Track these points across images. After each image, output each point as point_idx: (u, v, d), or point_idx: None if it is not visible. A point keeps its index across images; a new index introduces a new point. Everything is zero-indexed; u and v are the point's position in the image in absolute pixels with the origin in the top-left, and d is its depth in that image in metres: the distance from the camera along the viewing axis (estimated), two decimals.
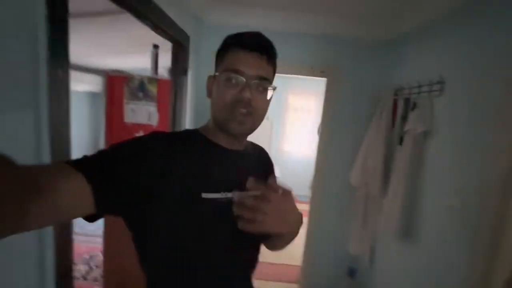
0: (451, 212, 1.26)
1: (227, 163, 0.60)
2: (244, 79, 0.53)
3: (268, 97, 0.59)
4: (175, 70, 1.63)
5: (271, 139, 4.25)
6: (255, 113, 0.57)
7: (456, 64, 1.35)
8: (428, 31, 1.64)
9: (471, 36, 1.28)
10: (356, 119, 2.08)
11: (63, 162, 0.43)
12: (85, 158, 0.45)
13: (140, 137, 0.53)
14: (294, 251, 2.82)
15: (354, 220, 2.07)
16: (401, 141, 1.73)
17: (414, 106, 1.62)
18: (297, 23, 1.95)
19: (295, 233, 0.65)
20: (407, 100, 1.71)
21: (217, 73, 0.57)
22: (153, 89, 1.90)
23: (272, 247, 0.71)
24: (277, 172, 3.25)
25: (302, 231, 3.00)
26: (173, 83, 1.65)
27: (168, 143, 0.55)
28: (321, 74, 2.02)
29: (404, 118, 1.72)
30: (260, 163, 0.73)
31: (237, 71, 0.54)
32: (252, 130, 0.61)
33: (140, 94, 1.91)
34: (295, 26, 1.98)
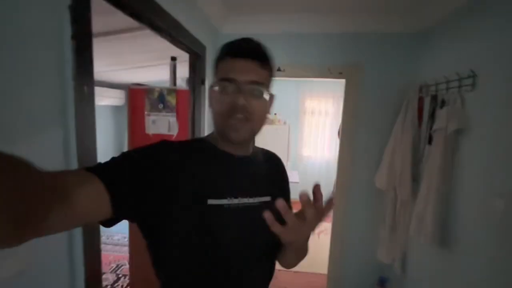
0: (493, 215, 1.15)
1: (233, 169, 0.61)
2: (236, 86, 0.54)
3: (266, 101, 0.58)
4: (192, 80, 1.66)
5: (289, 144, 4.19)
6: (252, 118, 0.56)
7: (488, 55, 1.26)
8: (454, 21, 1.55)
9: (503, 23, 1.18)
10: (379, 119, 1.99)
11: (81, 169, 0.46)
12: (100, 164, 0.48)
13: (151, 145, 0.55)
14: (320, 259, 2.74)
15: (383, 226, 1.96)
16: (430, 140, 1.63)
17: (443, 103, 1.52)
18: (313, 24, 1.93)
19: (305, 249, 0.66)
20: (434, 97, 1.62)
21: (214, 81, 0.58)
22: (172, 100, 1.94)
23: (283, 261, 0.71)
24: (296, 177, 3.15)
25: (327, 238, 2.82)
26: (191, 93, 1.68)
27: (177, 151, 0.57)
28: (339, 75, 1.97)
29: (432, 116, 1.62)
30: (271, 169, 0.72)
31: (228, 79, 0.54)
32: (252, 135, 0.61)
33: (160, 105, 1.96)
34: (310, 27, 1.95)
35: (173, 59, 2.00)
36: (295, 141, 4.69)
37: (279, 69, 1.99)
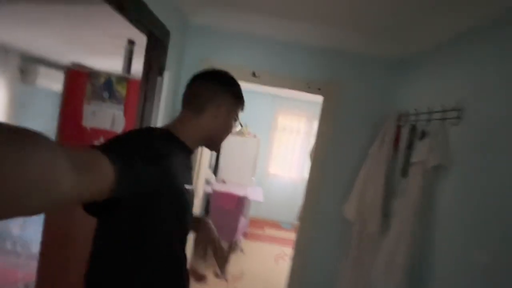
0: (477, 268, 1.00)
1: (190, 162, 0.79)
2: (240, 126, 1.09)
3: None
4: (148, 68, 1.36)
5: (256, 159, 3.97)
6: None
7: (475, 89, 1.17)
8: (440, 51, 1.48)
9: (495, 55, 1.10)
10: (354, 144, 1.85)
11: (91, 147, 0.51)
12: (105, 146, 0.55)
13: (146, 136, 0.67)
14: (277, 285, 2.49)
15: (347, 259, 1.77)
16: (404, 173, 1.51)
17: (423, 135, 1.41)
18: (295, 33, 1.77)
19: None
20: (413, 128, 1.51)
21: (232, 112, 0.78)
22: (122, 90, 1.60)
23: None
24: (260, 195, 2.88)
25: (285, 265, 2.57)
26: (142, 83, 1.37)
27: (166, 145, 0.67)
28: (318, 91, 1.81)
29: (409, 147, 1.51)
30: None
31: (237, 120, 0.83)
32: None
33: (105, 94, 1.60)
34: (291, 36, 1.79)
35: (131, 42, 1.68)
36: (263, 156, 4.49)
37: (253, 75, 1.77)
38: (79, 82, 1.58)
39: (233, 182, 3.90)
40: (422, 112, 1.45)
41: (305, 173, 4.56)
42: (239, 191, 3.05)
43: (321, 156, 1.85)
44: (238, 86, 0.79)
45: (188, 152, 0.74)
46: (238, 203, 2.81)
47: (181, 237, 0.73)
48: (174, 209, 0.66)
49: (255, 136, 4.07)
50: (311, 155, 1.94)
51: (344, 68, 1.82)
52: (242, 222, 3.10)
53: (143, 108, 1.38)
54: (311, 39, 1.77)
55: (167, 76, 1.53)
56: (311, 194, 1.89)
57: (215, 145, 0.82)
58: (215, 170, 3.97)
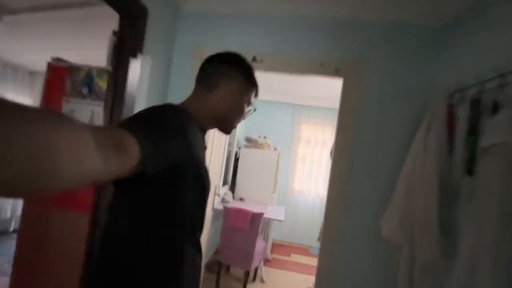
0: None
1: (205, 141, 0.78)
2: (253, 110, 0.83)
3: None
4: (118, 52, 1.14)
5: (277, 174, 3.56)
6: None
7: None
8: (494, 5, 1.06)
9: None
10: (388, 138, 1.42)
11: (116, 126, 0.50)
12: (128, 124, 0.52)
13: (173, 115, 0.64)
14: None
15: None
16: (469, 167, 1.04)
17: (495, 107, 0.96)
18: (301, 4, 1.46)
19: None
20: (476, 102, 1.06)
21: (245, 95, 0.77)
22: (102, 83, 1.40)
23: None
24: (282, 214, 2.41)
25: None
26: (112, 71, 1.15)
27: (187, 123, 0.65)
28: (335, 73, 1.45)
29: (474, 130, 1.05)
30: None
31: (251, 105, 0.81)
32: None
33: (85, 90, 1.41)
34: (297, 9, 1.48)
35: (115, 34, 1.52)
36: (285, 171, 4.07)
37: (254, 59, 1.48)
38: (59, 78, 1.43)
39: (252, 200, 3.51)
40: (488, 79, 1.01)
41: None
42: (255, 209, 2.65)
43: (344, 156, 1.43)
44: (251, 69, 0.78)
45: (201, 130, 0.73)
46: (253, 221, 2.41)
47: (202, 210, 0.72)
48: (197, 181, 0.66)
49: (275, 149, 3.71)
50: (331, 154, 1.53)
51: (367, 42, 1.45)
52: (260, 245, 2.66)
53: (113, 101, 1.13)
54: (323, 10, 1.45)
55: (148, 62, 1.30)
56: (334, 206, 1.45)
57: (226, 127, 0.79)
58: (232, 186, 3.64)
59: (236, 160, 3.61)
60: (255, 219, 2.40)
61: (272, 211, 3.10)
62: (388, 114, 1.42)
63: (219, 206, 2.63)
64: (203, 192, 0.69)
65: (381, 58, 1.43)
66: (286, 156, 4.08)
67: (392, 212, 1.24)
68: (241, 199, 3.48)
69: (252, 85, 0.77)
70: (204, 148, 0.75)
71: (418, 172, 1.21)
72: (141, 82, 1.28)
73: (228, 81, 0.73)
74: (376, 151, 1.42)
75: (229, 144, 3.41)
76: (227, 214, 2.48)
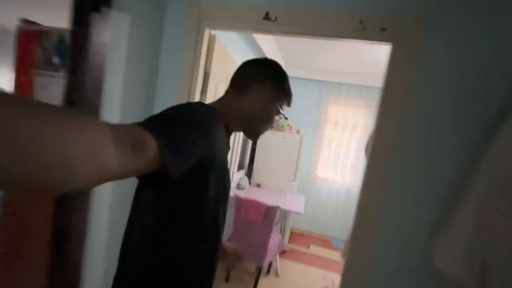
0: None
1: (229, 143, 0.77)
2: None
3: None
4: (77, 3, 0.83)
5: (298, 159, 3.21)
6: None
7: None
8: None
9: None
10: (450, 132, 0.99)
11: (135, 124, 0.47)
12: (148, 121, 0.49)
13: (200, 111, 0.62)
14: None
15: None
16: None
17: None
18: None
19: None
20: None
21: (276, 102, 0.76)
22: None
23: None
24: (301, 206, 1.59)
25: None
26: (72, 31, 0.85)
27: (214, 122, 0.62)
28: (380, 34, 1.02)
29: None
30: None
31: (281, 114, 0.81)
32: None
33: (56, 59, 1.16)
34: None
35: None
36: (308, 157, 3.70)
37: (267, 16, 1.10)
38: (30, 46, 1.18)
39: (269, 187, 3.24)
40: None
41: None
42: (271, 199, 2.37)
43: (385, 151, 1.04)
44: (286, 77, 0.77)
45: (227, 131, 0.72)
46: (267, 215, 2.14)
47: (223, 209, 0.71)
48: (218, 180, 0.65)
49: (298, 132, 3.33)
50: (367, 150, 1.15)
51: None
52: (275, 239, 2.41)
53: (73, 63, 0.85)
54: None
55: (124, 20, 0.99)
56: (367, 215, 1.09)
57: (253, 133, 0.79)
58: (249, 172, 3.38)
59: (254, 143, 3.30)
60: (270, 212, 2.13)
61: (290, 201, 2.81)
62: (455, 96, 0.99)
63: (232, 192, 2.40)
64: (226, 184, 0.70)
65: (449, 13, 0.97)
66: (310, 140, 3.68)
67: (453, 239, 0.86)
68: (258, 185, 3.22)
69: (284, 93, 0.77)
70: (228, 148, 0.74)
71: (503, 177, 0.81)
72: (115, 46, 0.98)
73: (260, 86, 0.73)
74: (431, 147, 1.02)
75: None
76: (239, 206, 2.23)
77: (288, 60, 3.41)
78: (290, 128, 3.33)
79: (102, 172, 0.32)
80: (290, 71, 3.39)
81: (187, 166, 0.51)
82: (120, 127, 0.40)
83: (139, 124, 0.45)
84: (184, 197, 0.61)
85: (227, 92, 0.76)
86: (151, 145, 0.42)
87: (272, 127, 0.98)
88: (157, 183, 0.49)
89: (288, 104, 0.80)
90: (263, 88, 0.72)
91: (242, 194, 2.41)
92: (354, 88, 3.54)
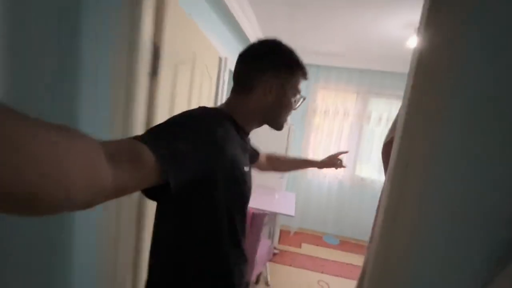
0: None
1: (248, 145, 0.76)
2: (303, 99, 0.78)
3: None
4: None
5: (287, 152, 2.89)
6: None
7: None
8: None
9: None
10: None
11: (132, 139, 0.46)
12: (146, 133, 0.48)
13: (200, 118, 0.58)
14: None
15: None
16: None
17: None
18: None
19: None
20: None
21: (287, 85, 0.70)
22: None
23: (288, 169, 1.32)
24: (292, 207, 1.46)
25: None
26: None
27: (221, 126, 0.59)
28: None
29: None
30: None
31: (300, 93, 0.75)
32: None
33: None
34: None
35: None
36: (297, 149, 3.39)
37: None
38: None
39: (255, 185, 2.90)
40: None
41: (358, 171, 3.35)
42: (257, 201, 2.04)
43: (421, 146, 0.71)
44: (289, 53, 0.70)
45: (243, 133, 0.70)
46: (253, 223, 1.81)
47: (241, 214, 0.68)
48: (232, 186, 0.62)
49: (287, 124, 2.99)
50: (385, 154, 0.82)
51: None
52: (264, 248, 2.10)
53: None
54: None
55: None
56: (394, 231, 0.77)
57: (275, 123, 0.74)
58: None
59: None
60: (256, 220, 1.80)
61: (280, 201, 2.50)
62: None
63: None
64: (240, 196, 0.67)
65: None
66: (299, 130, 3.36)
67: None
68: None
69: (293, 71, 0.70)
70: (245, 149, 0.71)
71: None
72: None
73: (264, 77, 0.67)
74: (485, 143, 0.69)
75: None
76: None
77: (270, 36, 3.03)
78: None
79: (96, 187, 0.32)
80: None
81: (187, 177, 0.49)
82: (113, 142, 0.39)
83: (135, 137, 0.45)
84: (192, 210, 0.60)
85: (233, 90, 0.71)
86: (148, 158, 0.42)
87: (295, 109, 0.76)
88: (159, 195, 0.51)
89: (304, 77, 0.74)
90: (269, 78, 0.67)
91: None
92: (345, 72, 3.22)
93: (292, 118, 3.14)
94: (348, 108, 3.30)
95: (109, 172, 0.34)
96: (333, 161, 1.19)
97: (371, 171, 3.27)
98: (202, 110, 0.62)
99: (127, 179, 0.37)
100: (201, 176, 0.53)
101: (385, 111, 3.18)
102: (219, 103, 1.65)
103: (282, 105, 0.70)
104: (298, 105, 0.76)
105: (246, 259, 0.72)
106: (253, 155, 1.02)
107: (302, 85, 0.76)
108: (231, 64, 2.25)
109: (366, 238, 3.58)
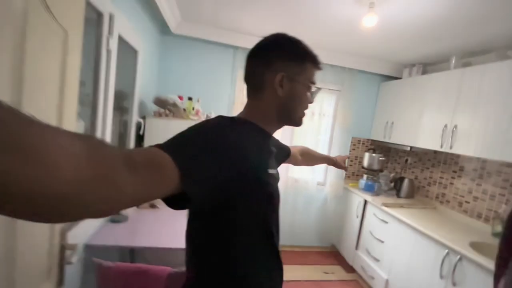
0: None
1: (272, 146, 0.73)
2: (317, 91, 0.72)
3: None
4: None
5: None
6: None
7: None
8: None
9: None
10: None
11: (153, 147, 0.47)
12: (168, 142, 0.50)
13: (217, 127, 0.59)
14: None
15: None
16: None
17: None
18: None
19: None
20: None
21: (298, 77, 0.67)
22: None
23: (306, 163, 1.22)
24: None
25: None
26: None
27: (238, 133, 0.60)
28: None
29: None
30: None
31: (314, 82, 0.71)
32: None
33: None
34: None
35: None
36: None
37: None
38: None
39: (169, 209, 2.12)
40: None
41: (291, 172, 3.01)
42: (176, 241, 1.32)
43: None
44: (295, 44, 0.68)
45: (265, 135, 0.70)
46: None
47: (268, 226, 0.66)
48: (258, 192, 0.61)
49: (208, 117, 2.31)
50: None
51: None
52: None
53: None
54: None
55: None
56: None
57: (292, 120, 0.71)
58: None
59: (140, 137, 2.05)
60: (175, 285, 1.09)
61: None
62: None
63: (100, 236, 1.21)
64: (269, 201, 0.65)
65: None
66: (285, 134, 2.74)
67: None
68: (153, 206, 2.04)
69: (302, 62, 0.68)
70: (269, 151, 0.70)
71: None
72: None
73: (272, 73, 0.66)
74: None
75: (121, 110, 1.83)
76: (104, 282, 1.06)
77: (189, 13, 2.25)
78: (197, 112, 2.26)
79: (116, 194, 0.33)
80: (192, 30, 2.27)
81: (208, 186, 0.50)
82: (134, 150, 0.41)
83: (156, 146, 0.46)
84: (218, 219, 0.59)
85: (247, 95, 0.71)
86: (170, 165, 0.42)
87: (311, 102, 0.67)
88: (180, 204, 0.50)
89: (316, 67, 0.70)
90: (275, 75, 0.65)
91: (110, 240, 1.25)
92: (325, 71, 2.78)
93: (216, 111, 2.49)
94: (326, 109, 2.94)
95: (128, 179, 0.34)
96: (342, 162, 1.29)
97: (304, 172, 2.99)
98: (219, 119, 0.62)
99: (146, 186, 0.38)
100: (225, 185, 0.53)
101: (317, 106, 2.95)
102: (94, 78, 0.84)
103: (295, 99, 0.68)
104: (314, 97, 0.72)
105: (280, 264, 0.71)
106: (282, 154, 0.95)
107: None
108: (122, 25, 1.40)
109: (301, 243, 3.22)
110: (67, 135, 0.29)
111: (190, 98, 2.18)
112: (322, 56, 0.71)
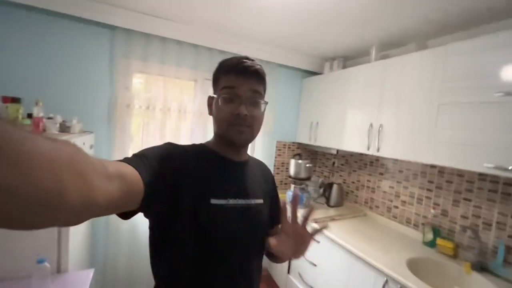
0: None
1: (233, 173, 0.69)
2: (239, 97, 0.65)
3: (262, 110, 0.69)
4: None
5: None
6: (253, 125, 0.67)
7: None
8: None
9: None
10: None
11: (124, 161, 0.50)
12: (132, 158, 0.52)
13: (164, 149, 0.61)
14: None
15: None
16: None
17: None
18: None
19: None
20: None
21: (215, 94, 0.69)
22: None
23: (274, 261, 0.81)
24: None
25: None
26: None
27: (186, 156, 0.63)
28: None
29: None
30: (263, 176, 0.80)
31: (232, 87, 0.65)
32: (251, 140, 0.70)
33: None
34: None
35: None
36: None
37: None
38: None
39: None
40: None
41: None
42: None
43: None
44: (219, 63, 0.70)
45: (220, 159, 0.69)
46: None
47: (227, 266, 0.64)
48: (190, 225, 0.59)
49: (84, 132, 1.51)
50: None
51: None
52: None
53: None
54: None
55: None
56: None
57: (227, 139, 0.68)
58: None
59: None
60: None
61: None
62: None
63: None
64: (201, 237, 0.60)
65: None
66: (104, 139, 1.94)
67: None
68: None
69: (218, 78, 0.69)
70: (226, 179, 0.67)
71: None
72: None
73: (208, 101, 0.73)
74: None
75: None
76: None
77: None
78: (36, 121, 1.42)
79: (90, 201, 0.32)
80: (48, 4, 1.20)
81: (160, 196, 0.53)
82: (106, 161, 0.40)
83: (125, 159, 0.50)
84: (161, 233, 0.61)
85: None
86: (135, 176, 0.46)
87: (237, 113, 0.61)
88: (128, 213, 0.51)
89: (225, 69, 0.67)
90: (210, 96, 0.72)
91: None
92: (170, 45, 2.12)
93: (91, 119, 1.69)
94: (186, 103, 2.25)
95: (102, 188, 0.35)
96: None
97: None
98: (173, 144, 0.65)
99: (117, 193, 0.39)
100: (170, 192, 0.55)
101: None
102: None
103: (217, 116, 0.68)
104: (223, 103, 0.66)
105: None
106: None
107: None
108: None
109: None
110: (50, 140, 0.28)
111: (15, 100, 1.34)
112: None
